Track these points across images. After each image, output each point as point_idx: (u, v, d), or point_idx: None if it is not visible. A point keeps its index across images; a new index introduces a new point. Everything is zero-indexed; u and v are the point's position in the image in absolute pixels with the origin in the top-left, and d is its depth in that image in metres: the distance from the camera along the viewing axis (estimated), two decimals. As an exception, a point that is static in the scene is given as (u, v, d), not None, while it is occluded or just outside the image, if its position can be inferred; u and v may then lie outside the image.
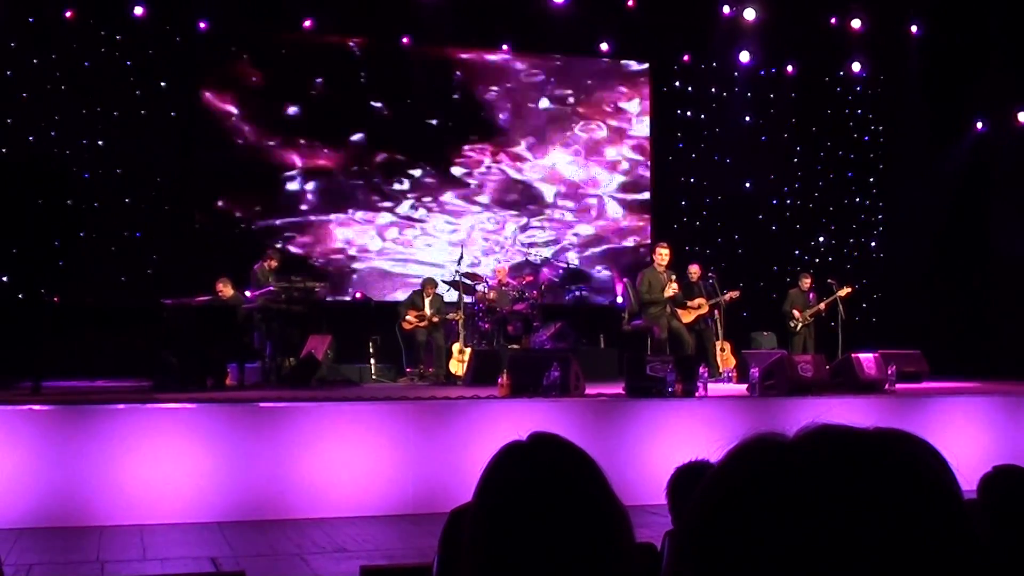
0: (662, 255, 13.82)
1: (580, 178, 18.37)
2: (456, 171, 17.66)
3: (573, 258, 17.82)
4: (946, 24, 18.18)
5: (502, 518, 1.60)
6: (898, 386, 12.01)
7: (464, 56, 17.83)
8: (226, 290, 13.42)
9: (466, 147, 17.76)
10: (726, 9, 18.02)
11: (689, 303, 14.39)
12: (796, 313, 15.59)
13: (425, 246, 17.38)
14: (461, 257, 15.29)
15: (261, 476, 8.92)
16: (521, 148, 18.09)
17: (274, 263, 13.84)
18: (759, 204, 19.08)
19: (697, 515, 0.96)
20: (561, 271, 17.20)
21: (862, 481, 0.90)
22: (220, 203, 16.38)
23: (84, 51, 15.63)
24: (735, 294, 15.05)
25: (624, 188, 18.62)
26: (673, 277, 13.71)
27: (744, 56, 18.57)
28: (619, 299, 15.74)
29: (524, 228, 17.98)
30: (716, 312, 15.03)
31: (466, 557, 1.63)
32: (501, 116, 18.05)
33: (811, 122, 19.44)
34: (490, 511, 1.63)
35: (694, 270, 15.03)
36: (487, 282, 15.47)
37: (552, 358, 11.01)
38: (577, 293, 17.26)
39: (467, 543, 1.63)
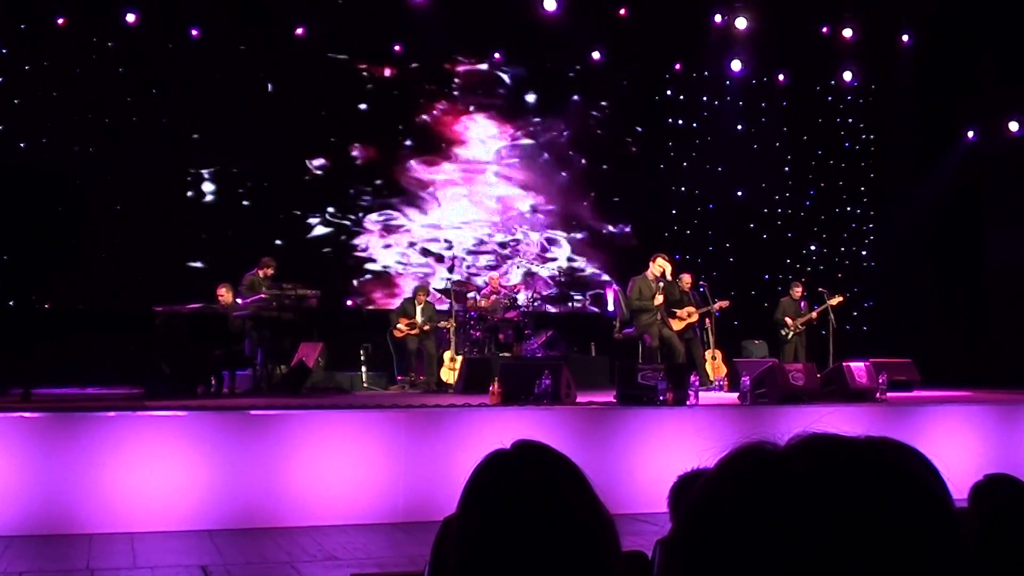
0: (660, 266, 13.66)
1: (568, 184, 18.41)
2: (439, 178, 17.71)
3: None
4: (937, 34, 18.24)
5: (486, 526, 1.60)
6: (889, 395, 12.01)
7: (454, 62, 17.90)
8: (227, 296, 13.39)
9: (450, 152, 17.81)
10: (718, 18, 18.07)
11: (678, 312, 14.36)
12: (788, 321, 15.59)
13: (414, 254, 17.41)
14: (452, 265, 15.27)
15: (252, 484, 8.89)
16: (510, 151, 18.13)
17: (269, 271, 13.80)
18: (750, 213, 19.11)
19: (688, 523, 0.96)
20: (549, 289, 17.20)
21: (853, 489, 0.90)
22: (215, 207, 16.41)
23: (76, 58, 15.62)
24: (725, 304, 15.04)
25: (613, 195, 18.64)
26: (660, 285, 13.64)
27: (736, 65, 18.62)
28: (610, 307, 15.73)
29: (508, 236, 18.01)
30: (707, 321, 15.03)
31: (451, 565, 1.63)
32: (490, 120, 18.10)
33: (802, 131, 19.50)
34: (474, 519, 1.63)
35: (686, 279, 15.00)
36: (478, 290, 15.48)
37: (543, 366, 11.01)
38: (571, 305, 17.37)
39: (452, 551, 1.63)
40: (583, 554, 1.57)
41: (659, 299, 13.56)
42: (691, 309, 14.51)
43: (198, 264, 16.05)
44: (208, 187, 16.45)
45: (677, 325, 14.24)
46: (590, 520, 1.61)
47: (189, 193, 16.35)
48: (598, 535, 1.60)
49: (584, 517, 1.61)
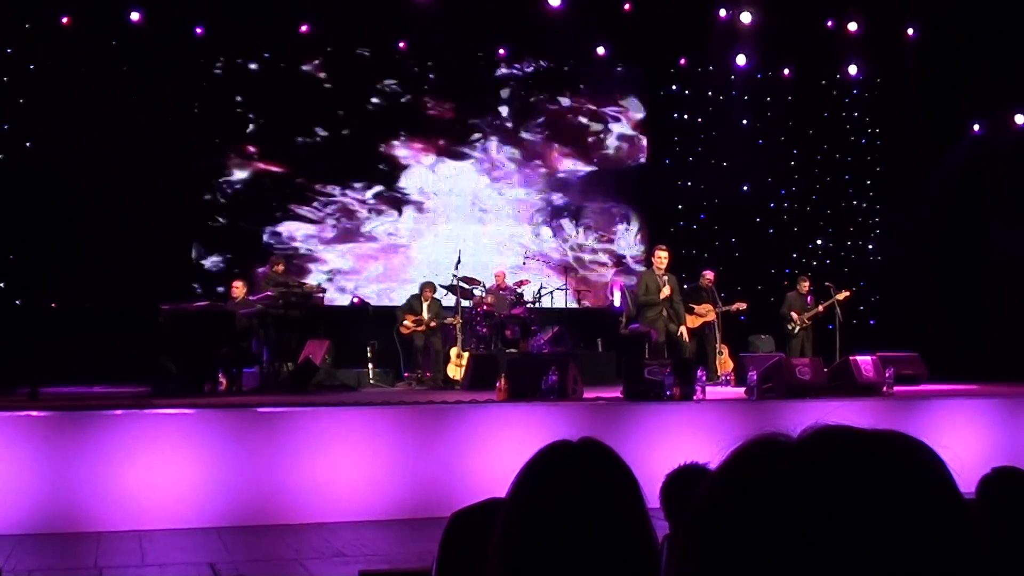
0: (661, 258, 13.71)
1: (575, 182, 18.40)
2: (446, 171, 17.71)
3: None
4: (942, 27, 18.19)
5: (535, 507, 1.61)
6: (896, 389, 12.01)
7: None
8: (240, 290, 13.40)
9: (452, 149, 17.82)
10: (723, 12, 18.02)
11: (696, 308, 14.38)
12: (794, 316, 15.57)
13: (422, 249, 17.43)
14: (459, 261, 15.21)
15: (259, 481, 8.91)
16: (513, 151, 18.12)
17: (280, 267, 13.83)
18: (756, 207, 19.08)
19: (703, 515, 0.96)
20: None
21: (869, 479, 0.91)
22: (220, 205, 16.44)
23: (81, 57, 15.61)
24: (743, 305, 15.09)
25: (620, 190, 18.62)
26: (665, 279, 13.66)
27: (741, 59, 18.57)
28: (616, 302, 15.69)
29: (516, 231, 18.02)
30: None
31: (494, 539, 1.63)
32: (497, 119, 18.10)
33: (808, 125, 19.44)
34: (525, 497, 1.64)
35: (709, 276, 15.05)
36: (485, 286, 15.46)
37: (550, 362, 11.01)
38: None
39: (498, 530, 1.63)
40: (620, 560, 1.59)
41: (665, 291, 13.57)
42: (709, 307, 14.55)
43: (204, 262, 16.06)
44: (213, 185, 16.44)
45: (694, 322, 14.28)
46: (637, 530, 1.63)
47: (194, 191, 16.34)
48: (640, 547, 1.62)
49: (630, 523, 1.62)
